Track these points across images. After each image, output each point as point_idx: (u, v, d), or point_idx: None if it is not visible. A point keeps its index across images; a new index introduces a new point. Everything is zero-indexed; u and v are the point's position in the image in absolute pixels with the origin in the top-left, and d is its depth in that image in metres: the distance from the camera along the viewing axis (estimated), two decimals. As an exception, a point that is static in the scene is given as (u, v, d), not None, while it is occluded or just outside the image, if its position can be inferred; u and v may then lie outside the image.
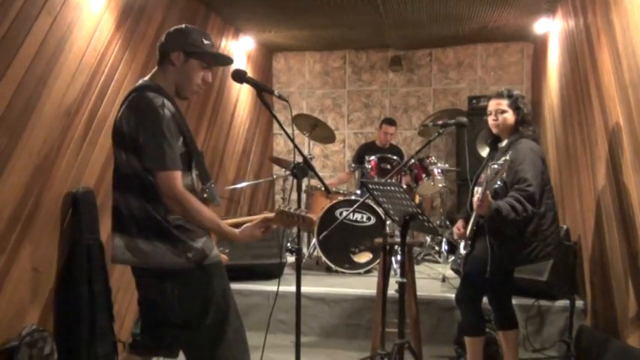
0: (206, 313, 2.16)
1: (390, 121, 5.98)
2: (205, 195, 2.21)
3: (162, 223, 2.09)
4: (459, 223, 3.20)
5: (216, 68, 2.47)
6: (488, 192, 2.73)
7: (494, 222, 2.85)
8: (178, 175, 2.07)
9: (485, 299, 3.22)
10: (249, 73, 2.48)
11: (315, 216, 2.39)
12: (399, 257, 4.18)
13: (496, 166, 2.74)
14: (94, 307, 3.13)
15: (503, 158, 2.73)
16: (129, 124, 2.10)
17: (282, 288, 2.99)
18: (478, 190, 2.91)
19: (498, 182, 2.76)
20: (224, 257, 2.37)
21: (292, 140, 2.53)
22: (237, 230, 2.23)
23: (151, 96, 2.10)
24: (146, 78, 2.24)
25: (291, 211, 2.19)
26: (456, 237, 3.27)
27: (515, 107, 3.02)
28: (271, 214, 2.25)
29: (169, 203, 2.07)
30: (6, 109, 2.69)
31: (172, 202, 2.06)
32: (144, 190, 2.09)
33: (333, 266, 4.84)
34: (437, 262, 5.28)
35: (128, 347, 2.38)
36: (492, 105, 3.07)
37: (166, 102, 2.10)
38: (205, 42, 2.23)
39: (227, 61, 2.40)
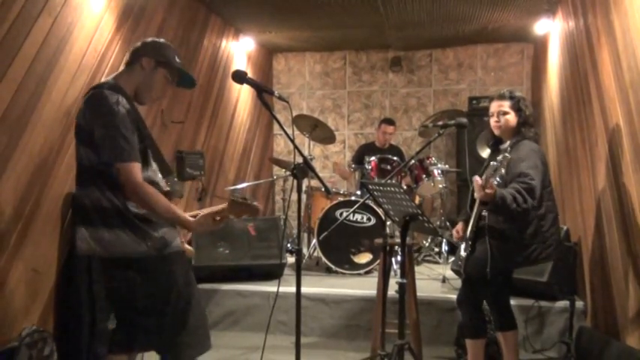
0: (168, 300, 2.24)
1: (388, 121, 5.98)
2: (168, 188, 2.31)
3: (124, 212, 2.17)
4: (459, 226, 3.20)
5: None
6: (492, 180, 2.72)
7: (497, 211, 2.84)
8: (137, 166, 2.15)
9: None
10: (250, 74, 2.48)
11: (261, 205, 2.50)
12: (399, 258, 4.18)
13: (495, 162, 2.74)
14: (94, 308, 3.12)
15: (502, 155, 2.74)
16: (85, 119, 2.19)
17: (282, 289, 2.99)
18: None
19: (497, 179, 2.75)
20: (189, 249, 2.45)
21: (292, 141, 2.53)
22: (192, 220, 2.31)
23: (106, 93, 2.18)
24: (109, 77, 2.32)
25: (241, 200, 2.28)
26: (454, 240, 3.27)
27: (517, 109, 3.02)
28: (224, 205, 2.33)
29: (128, 194, 2.15)
30: (6, 109, 2.70)
31: (130, 193, 2.15)
32: (103, 181, 2.17)
33: (333, 267, 4.84)
34: (437, 262, 5.28)
35: (109, 348, 2.38)
36: (494, 106, 3.07)
37: (121, 99, 2.19)
38: (177, 60, 2.37)
39: (192, 83, 2.49)
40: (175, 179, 2.36)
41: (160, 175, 2.35)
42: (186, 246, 2.44)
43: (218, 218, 2.30)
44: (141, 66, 2.30)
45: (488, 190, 2.70)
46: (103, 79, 2.32)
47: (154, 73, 2.32)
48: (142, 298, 2.23)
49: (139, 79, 2.30)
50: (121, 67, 2.35)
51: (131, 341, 2.32)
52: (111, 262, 2.21)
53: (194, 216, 2.32)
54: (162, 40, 2.40)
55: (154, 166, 2.31)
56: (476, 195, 2.81)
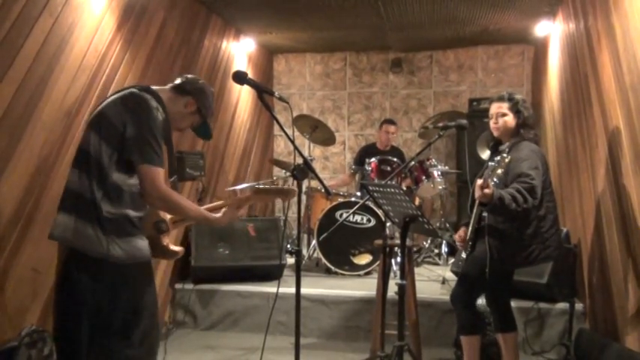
0: (115, 308, 2.14)
1: (390, 121, 5.98)
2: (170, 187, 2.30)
3: (101, 211, 2.10)
4: (461, 231, 3.20)
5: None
6: (489, 181, 2.73)
7: (495, 212, 2.85)
8: (162, 172, 2.14)
9: (483, 301, 3.23)
10: (250, 75, 2.49)
11: (294, 189, 2.49)
12: (398, 259, 4.18)
13: (493, 163, 2.74)
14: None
15: (500, 155, 2.74)
16: (115, 113, 2.15)
17: (281, 289, 2.99)
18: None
19: (495, 179, 2.76)
20: (179, 249, 2.42)
21: (292, 142, 2.54)
22: (218, 215, 2.33)
23: (148, 97, 2.19)
24: (152, 86, 2.32)
25: (266, 187, 2.29)
26: (458, 246, 3.27)
27: (516, 111, 3.03)
28: (247, 195, 2.36)
29: (152, 199, 2.14)
30: (7, 109, 2.70)
31: (155, 198, 2.13)
32: (96, 175, 2.12)
33: (332, 268, 4.84)
34: (437, 264, 5.28)
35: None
36: (493, 108, 3.09)
37: (160, 107, 2.20)
38: (212, 107, 2.44)
39: (208, 136, 2.53)
40: (176, 180, 2.36)
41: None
42: (174, 247, 2.42)
43: (241, 209, 2.35)
44: (183, 102, 2.33)
45: (486, 191, 2.71)
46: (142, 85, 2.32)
47: (190, 116, 2.37)
48: (81, 301, 2.14)
49: (176, 110, 2.32)
50: (169, 86, 2.35)
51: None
52: (71, 253, 2.15)
53: (212, 210, 2.34)
54: (211, 88, 2.44)
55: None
56: (475, 195, 2.82)
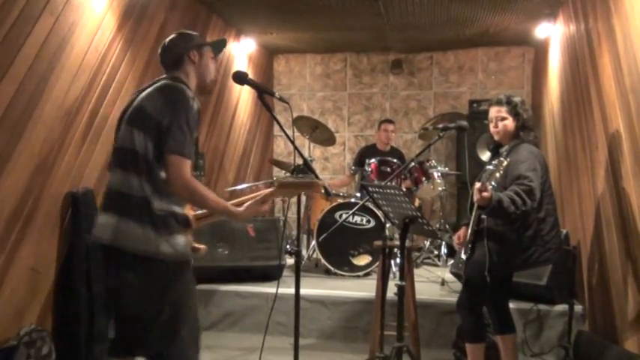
0: (162, 308, 2.15)
1: (388, 120, 6.01)
2: None
3: (152, 208, 2.10)
4: (460, 232, 3.19)
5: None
6: (488, 184, 2.73)
7: (494, 215, 2.85)
8: (189, 164, 2.11)
9: (483, 303, 3.23)
10: (250, 75, 2.49)
11: (319, 181, 2.42)
12: (398, 260, 4.18)
13: (491, 167, 2.74)
14: (93, 308, 3.13)
15: (498, 159, 2.74)
16: (155, 106, 2.13)
17: (281, 290, 2.99)
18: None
19: (492, 183, 2.75)
20: (203, 247, 2.39)
21: (293, 142, 2.54)
22: (241, 209, 2.28)
23: (184, 87, 2.19)
24: (162, 78, 2.28)
25: (290, 180, 2.23)
26: (456, 247, 3.27)
27: (515, 113, 3.03)
28: (272, 189, 2.31)
29: (177, 188, 2.10)
30: (7, 108, 2.70)
31: (179, 187, 2.10)
32: (146, 173, 2.11)
33: (332, 269, 4.83)
34: (436, 265, 5.28)
35: (107, 354, 2.36)
36: (492, 112, 3.09)
37: (195, 97, 2.19)
38: (201, 37, 2.39)
39: (223, 42, 2.50)
40: (198, 174, 2.34)
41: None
42: (197, 245, 2.38)
43: (265, 204, 2.31)
44: (191, 61, 2.30)
45: (484, 194, 2.71)
46: (165, 77, 2.28)
47: (204, 60, 2.33)
48: (135, 302, 2.15)
49: (196, 72, 2.32)
50: (168, 72, 2.31)
51: (133, 346, 2.25)
52: (115, 255, 2.14)
53: (237, 204, 2.31)
54: (181, 31, 2.39)
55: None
56: (474, 199, 2.82)
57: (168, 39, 2.34)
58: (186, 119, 2.10)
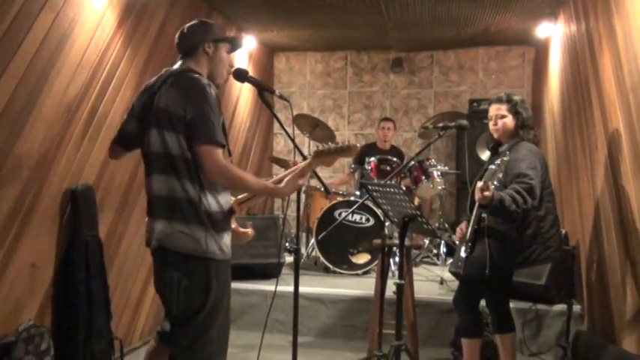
0: (203, 306, 2.17)
1: (386, 118, 6.03)
2: None
3: (199, 208, 2.11)
4: (462, 225, 3.20)
5: None
6: (490, 183, 2.73)
7: (495, 214, 2.85)
8: (221, 150, 2.12)
9: (482, 302, 3.23)
10: (251, 73, 2.49)
11: (355, 143, 2.41)
12: (397, 259, 4.18)
13: (493, 166, 2.74)
14: (92, 304, 3.13)
15: (500, 159, 2.75)
16: (174, 103, 2.13)
17: (280, 288, 2.99)
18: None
19: (495, 182, 2.76)
20: (250, 232, 2.39)
21: (293, 140, 2.54)
22: (281, 185, 2.27)
23: (196, 76, 2.18)
24: (175, 67, 2.29)
25: (326, 147, 2.25)
26: (456, 238, 3.28)
27: (515, 112, 3.03)
28: (308, 160, 2.30)
29: (214, 176, 2.10)
30: (7, 104, 2.69)
31: (216, 175, 2.09)
32: (185, 172, 2.12)
33: (331, 267, 4.84)
34: (435, 264, 5.28)
35: (156, 336, 2.34)
36: (492, 110, 3.09)
37: (210, 83, 2.19)
38: (223, 30, 2.38)
39: (239, 42, 2.50)
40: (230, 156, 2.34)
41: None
42: (243, 229, 2.37)
43: (304, 176, 2.30)
44: (205, 52, 2.29)
45: (486, 193, 2.71)
46: (175, 68, 2.27)
47: (218, 54, 2.32)
48: (180, 300, 2.17)
49: (209, 64, 2.31)
50: (183, 58, 2.31)
51: (171, 337, 2.27)
52: (163, 255, 2.17)
53: (277, 182, 2.30)
54: (201, 20, 2.37)
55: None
56: (475, 198, 2.82)
57: (188, 25, 2.34)
58: (206, 107, 2.10)
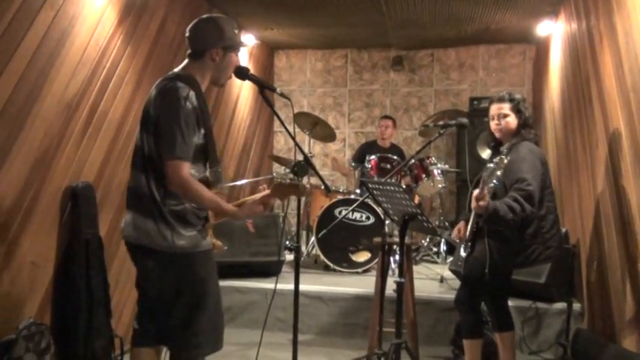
0: (180, 295, 2.24)
1: (385, 116, 6.07)
2: (210, 178, 2.32)
3: (161, 206, 2.20)
4: (460, 225, 3.20)
5: None
6: (486, 192, 2.73)
7: (492, 223, 2.85)
8: (186, 165, 2.17)
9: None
10: (251, 70, 2.48)
11: (307, 186, 2.48)
12: (397, 257, 4.18)
13: (491, 165, 2.73)
14: (92, 302, 3.13)
15: (498, 157, 2.74)
16: (154, 108, 2.22)
17: (280, 286, 2.99)
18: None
19: (494, 181, 2.75)
20: (218, 244, 2.46)
21: (293, 138, 2.53)
22: (236, 209, 2.32)
23: (179, 85, 2.20)
24: (179, 68, 2.33)
25: (287, 182, 2.32)
26: (455, 238, 3.28)
27: (517, 111, 3.02)
28: (268, 191, 2.34)
29: (174, 189, 2.19)
30: (7, 102, 2.69)
31: (175, 187, 2.18)
32: (152, 171, 2.21)
33: (331, 265, 4.84)
34: (435, 262, 5.28)
35: (131, 341, 2.41)
36: (494, 109, 3.07)
37: (191, 94, 2.20)
38: (236, 32, 2.36)
39: (244, 42, 2.57)
40: (219, 170, 2.38)
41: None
42: (215, 241, 2.44)
43: (262, 205, 2.33)
44: (211, 59, 2.30)
45: (481, 203, 2.71)
46: (174, 71, 2.32)
47: (226, 60, 2.33)
48: (154, 288, 2.28)
49: (213, 70, 2.32)
50: (189, 57, 2.32)
51: (155, 334, 2.33)
52: (137, 248, 2.27)
53: (239, 205, 2.34)
54: (215, 18, 2.36)
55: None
56: (471, 206, 2.82)
57: (203, 22, 2.33)
58: (176, 120, 2.14)
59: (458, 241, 3.22)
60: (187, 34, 2.34)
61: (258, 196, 2.36)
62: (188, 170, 2.17)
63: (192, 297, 2.26)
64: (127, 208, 2.30)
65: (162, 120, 2.18)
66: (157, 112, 2.20)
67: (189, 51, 2.34)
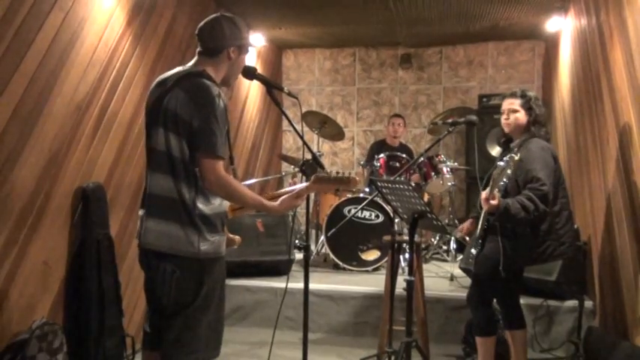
0: (193, 300, 2.19)
1: (396, 114, 6.06)
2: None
3: (191, 209, 2.14)
4: (466, 223, 3.19)
5: None
6: (496, 190, 2.72)
7: (503, 220, 2.84)
8: (222, 163, 2.14)
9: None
10: (259, 70, 2.49)
11: (357, 176, 2.40)
12: (406, 255, 4.17)
13: (502, 163, 2.73)
14: (103, 302, 3.16)
15: (509, 155, 2.73)
16: (183, 107, 2.14)
17: (290, 285, 2.99)
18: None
19: (504, 179, 2.74)
20: (238, 239, 2.43)
21: (302, 137, 2.53)
22: (276, 203, 2.29)
23: (209, 84, 2.17)
24: (190, 65, 2.28)
25: (326, 174, 2.27)
26: (458, 234, 3.27)
27: (528, 107, 3.02)
28: (307, 184, 2.31)
29: (212, 187, 2.14)
30: (18, 103, 2.71)
31: (215, 187, 2.13)
32: (183, 174, 2.14)
33: (340, 264, 4.84)
34: (445, 260, 5.27)
35: (142, 344, 2.41)
36: (505, 104, 3.09)
37: (221, 93, 2.18)
38: (249, 33, 2.37)
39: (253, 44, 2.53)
40: (234, 168, 2.38)
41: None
42: (233, 236, 2.42)
43: (299, 196, 2.30)
44: (228, 57, 2.28)
45: (492, 202, 2.70)
46: (189, 68, 2.26)
47: (240, 59, 2.33)
48: (171, 293, 2.19)
49: (229, 68, 2.30)
50: (202, 55, 2.28)
51: (158, 339, 2.29)
52: (152, 254, 2.20)
53: (272, 198, 2.32)
54: (233, 18, 2.34)
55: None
56: (482, 206, 2.81)
57: (222, 20, 2.30)
58: (213, 119, 2.11)
59: (462, 236, 3.21)
60: (200, 32, 2.29)
61: (296, 188, 2.33)
62: (223, 168, 2.13)
63: (202, 300, 2.21)
64: (146, 215, 2.19)
65: (198, 118, 2.11)
66: (189, 110, 2.12)
67: (199, 49, 2.29)
